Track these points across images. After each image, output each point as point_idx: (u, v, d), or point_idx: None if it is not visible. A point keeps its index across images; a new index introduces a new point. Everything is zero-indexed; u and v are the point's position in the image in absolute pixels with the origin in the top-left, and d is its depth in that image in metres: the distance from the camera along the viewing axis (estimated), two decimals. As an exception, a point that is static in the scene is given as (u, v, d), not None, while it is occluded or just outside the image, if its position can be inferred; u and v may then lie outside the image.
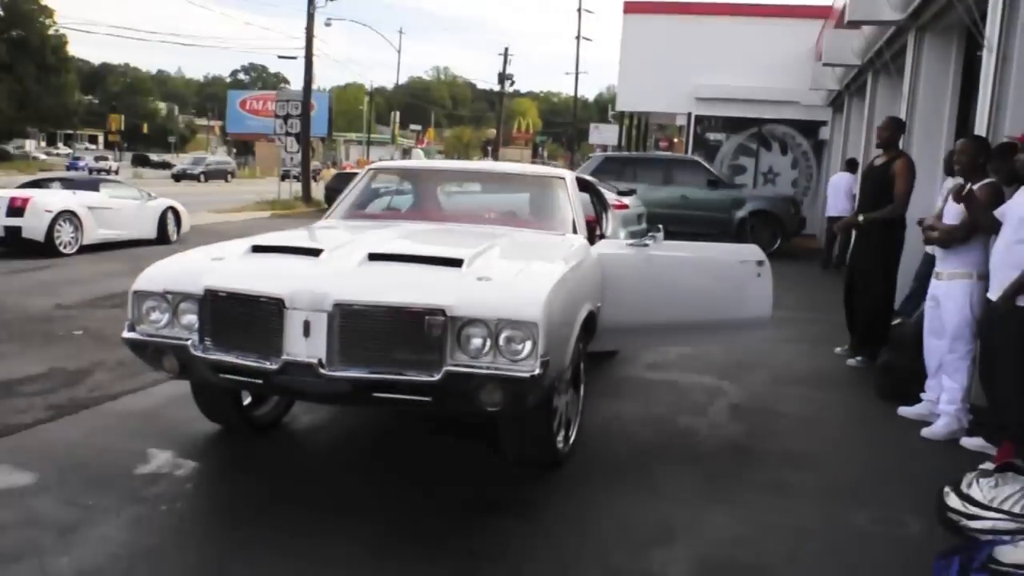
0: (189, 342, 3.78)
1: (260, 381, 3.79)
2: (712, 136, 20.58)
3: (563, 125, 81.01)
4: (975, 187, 4.95)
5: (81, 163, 49.88)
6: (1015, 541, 3.26)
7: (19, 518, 3.55)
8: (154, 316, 3.91)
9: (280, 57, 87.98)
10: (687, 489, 4.16)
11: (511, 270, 4.01)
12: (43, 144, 70.08)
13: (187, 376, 4.07)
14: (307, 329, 3.56)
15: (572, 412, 4.42)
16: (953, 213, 5.10)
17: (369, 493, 4.00)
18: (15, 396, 5.24)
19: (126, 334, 3.98)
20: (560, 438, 4.22)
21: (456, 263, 3.88)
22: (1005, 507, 3.52)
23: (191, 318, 3.83)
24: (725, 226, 15.19)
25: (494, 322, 3.50)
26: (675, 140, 34.06)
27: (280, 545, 3.41)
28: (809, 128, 19.68)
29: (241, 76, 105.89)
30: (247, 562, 3.28)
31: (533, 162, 68.87)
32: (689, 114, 20.51)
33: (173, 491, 3.94)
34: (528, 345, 3.50)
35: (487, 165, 7.11)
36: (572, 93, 59.32)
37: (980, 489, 3.66)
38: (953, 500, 3.70)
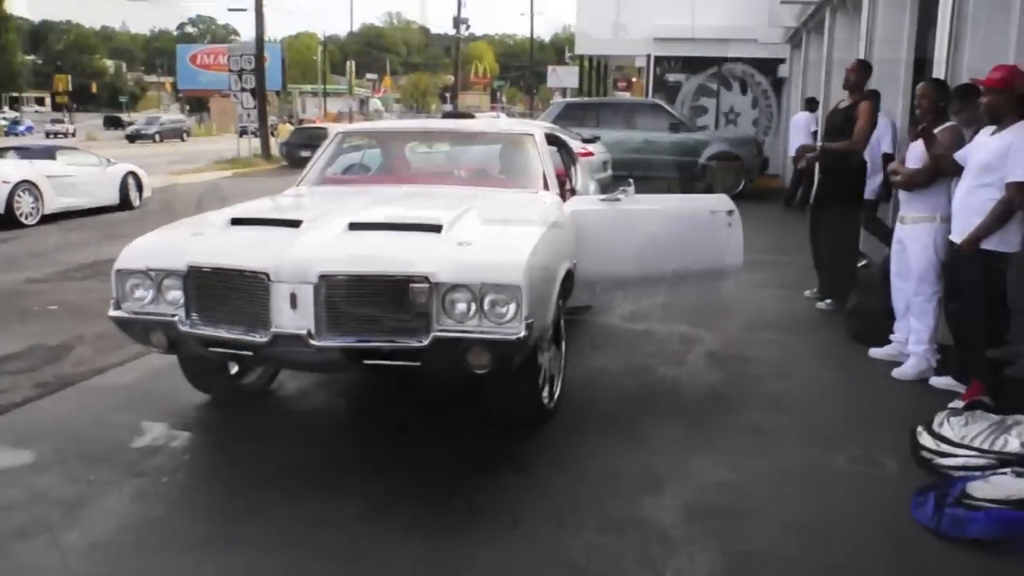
0: (176, 318, 3.81)
1: (250, 353, 3.86)
2: (672, 77, 20.49)
3: (520, 68, 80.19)
4: (936, 131, 5.05)
5: (20, 127, 46.66)
6: (986, 476, 3.43)
7: (24, 496, 3.60)
8: (138, 293, 3.94)
9: (230, 10, 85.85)
10: (671, 437, 4.30)
11: (490, 233, 4.10)
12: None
13: (176, 351, 4.12)
14: (294, 301, 3.61)
15: (556, 368, 4.53)
16: (915, 157, 5.21)
17: (365, 454, 4.10)
18: (0, 375, 5.24)
19: (112, 313, 4.00)
20: (545, 394, 4.33)
21: (436, 229, 3.94)
22: (975, 444, 3.68)
23: (176, 294, 3.86)
24: (689, 169, 15.27)
25: (478, 287, 3.58)
26: (633, 80, 33.89)
27: (284, 509, 3.50)
28: (768, 66, 19.64)
29: (189, 29, 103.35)
30: (254, 527, 3.37)
31: (492, 108, 68.19)
32: (648, 56, 20.37)
33: (172, 462, 4.01)
34: (512, 308, 3.59)
35: (456, 124, 7.10)
36: (528, 35, 58.74)
37: (951, 427, 3.82)
38: (926, 439, 3.85)
